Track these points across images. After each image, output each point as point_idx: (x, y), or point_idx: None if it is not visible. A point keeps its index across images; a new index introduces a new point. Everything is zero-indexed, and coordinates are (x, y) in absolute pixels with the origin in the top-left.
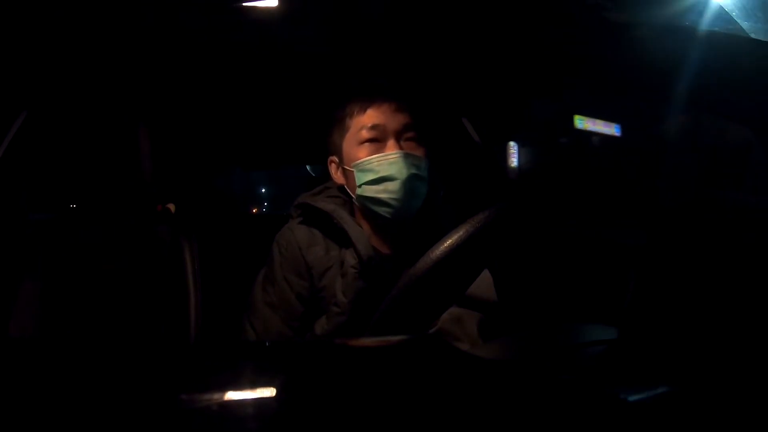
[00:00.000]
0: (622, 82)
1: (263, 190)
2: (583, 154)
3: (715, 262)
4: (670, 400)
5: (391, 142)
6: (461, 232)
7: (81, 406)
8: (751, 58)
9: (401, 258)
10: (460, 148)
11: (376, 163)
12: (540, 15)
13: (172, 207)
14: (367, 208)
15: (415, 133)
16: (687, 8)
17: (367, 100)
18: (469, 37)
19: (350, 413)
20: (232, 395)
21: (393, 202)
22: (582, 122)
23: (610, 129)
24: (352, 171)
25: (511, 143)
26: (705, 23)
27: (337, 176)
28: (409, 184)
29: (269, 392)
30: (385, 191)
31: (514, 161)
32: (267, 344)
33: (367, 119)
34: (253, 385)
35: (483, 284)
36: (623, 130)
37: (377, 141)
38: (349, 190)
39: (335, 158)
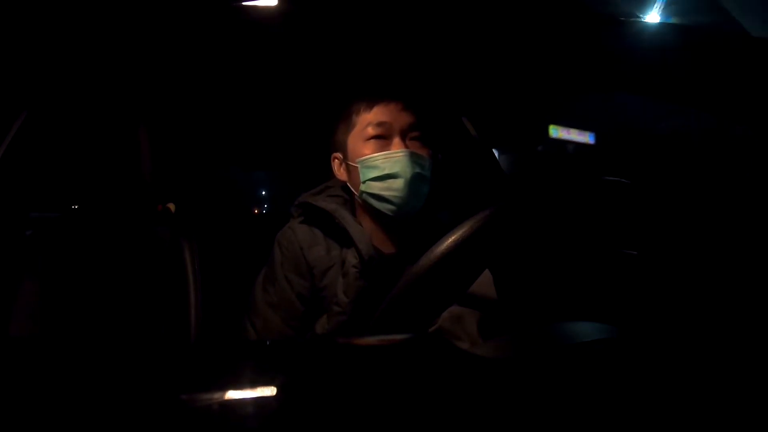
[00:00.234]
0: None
1: (263, 193)
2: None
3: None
4: (669, 398)
5: (396, 140)
6: (462, 231)
7: (81, 405)
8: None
9: (402, 257)
10: (460, 147)
11: (381, 160)
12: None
13: (172, 207)
14: (369, 205)
15: (419, 132)
16: None
17: (375, 97)
18: (470, 36)
19: (351, 412)
20: (232, 395)
21: (396, 200)
22: (556, 131)
23: (584, 137)
24: (357, 167)
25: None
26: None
27: (340, 173)
28: (413, 182)
29: (270, 391)
30: (389, 188)
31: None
32: (267, 343)
33: (373, 116)
34: (254, 385)
35: (483, 283)
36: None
37: (383, 138)
38: (351, 187)
39: (339, 155)
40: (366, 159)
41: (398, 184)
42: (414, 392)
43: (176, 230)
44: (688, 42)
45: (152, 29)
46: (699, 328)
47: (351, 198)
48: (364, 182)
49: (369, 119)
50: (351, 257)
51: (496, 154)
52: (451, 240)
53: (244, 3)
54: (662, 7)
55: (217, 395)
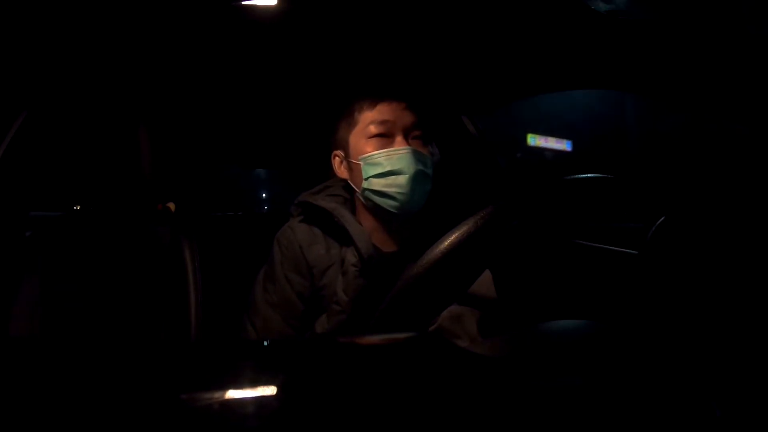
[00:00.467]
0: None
1: (264, 195)
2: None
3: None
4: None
5: (399, 138)
6: (463, 230)
7: (81, 405)
8: None
9: (402, 256)
10: (460, 146)
11: (384, 156)
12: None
13: (172, 206)
14: (371, 202)
15: (420, 131)
16: None
17: (378, 96)
18: (470, 36)
19: (351, 411)
20: (232, 394)
21: (399, 196)
22: (534, 140)
23: (562, 145)
24: (359, 164)
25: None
26: None
27: (341, 170)
28: (416, 179)
29: (270, 391)
30: (392, 185)
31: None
32: (267, 343)
33: (376, 114)
34: (254, 384)
35: (483, 282)
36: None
37: (385, 136)
38: (353, 184)
39: (340, 152)
40: (369, 156)
41: (401, 180)
42: (414, 391)
43: (176, 230)
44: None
45: (152, 29)
46: (698, 327)
47: (351, 197)
48: (366, 179)
49: (372, 117)
50: (350, 256)
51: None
52: (451, 239)
53: (243, 2)
54: None
55: (217, 395)
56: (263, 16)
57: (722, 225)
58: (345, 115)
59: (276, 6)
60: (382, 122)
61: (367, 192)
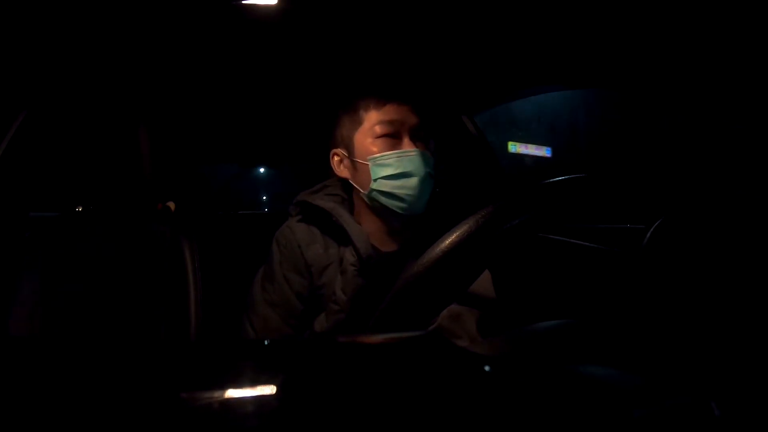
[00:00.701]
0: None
1: (264, 198)
2: None
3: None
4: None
5: (407, 140)
6: (463, 230)
7: (81, 405)
8: None
9: (401, 255)
10: (460, 146)
11: (395, 158)
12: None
13: (172, 205)
14: (377, 202)
15: (424, 132)
16: None
17: (386, 96)
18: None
19: (351, 411)
20: (232, 393)
21: (409, 198)
22: (515, 147)
23: (541, 151)
24: (366, 164)
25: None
26: None
27: (340, 170)
28: (424, 181)
29: (270, 390)
30: (402, 187)
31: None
32: (266, 342)
33: (384, 114)
34: (254, 383)
35: (482, 282)
36: None
37: (392, 137)
38: (355, 184)
39: (341, 151)
40: (378, 157)
41: (412, 182)
42: (414, 390)
43: (176, 229)
44: None
45: (152, 29)
46: (697, 327)
47: (349, 196)
48: (375, 180)
49: (379, 117)
50: (349, 255)
51: None
52: (451, 239)
53: (244, 2)
54: None
55: (217, 394)
56: (263, 16)
57: (721, 224)
58: (348, 113)
59: (276, 6)
60: (391, 122)
61: (374, 193)
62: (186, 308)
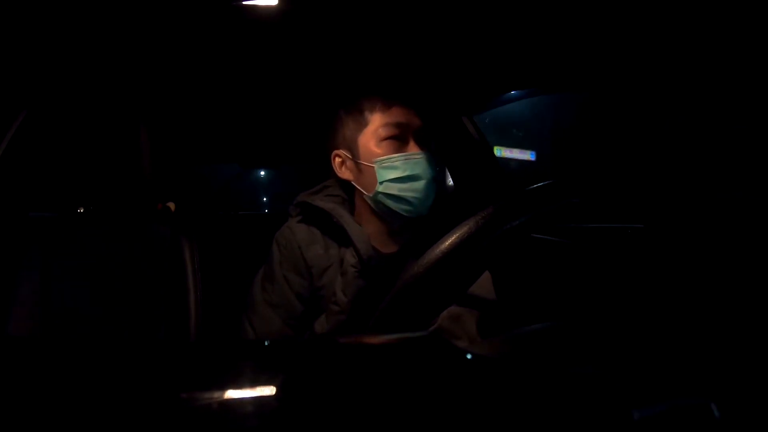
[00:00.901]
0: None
1: (264, 200)
2: None
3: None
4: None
5: (413, 143)
6: (463, 231)
7: (81, 405)
8: None
9: (401, 257)
10: (460, 147)
11: (402, 161)
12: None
13: (172, 205)
14: (382, 205)
15: (427, 135)
16: None
17: (392, 98)
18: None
19: (351, 411)
20: (232, 394)
21: (415, 201)
22: (500, 151)
23: (525, 155)
24: (371, 167)
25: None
26: None
27: (342, 171)
28: (430, 184)
29: (270, 390)
30: (410, 190)
31: (449, 180)
32: (266, 343)
33: (391, 117)
34: (254, 384)
35: (482, 283)
36: None
37: (398, 139)
38: (359, 186)
39: (343, 152)
40: (384, 159)
41: (419, 185)
42: (413, 390)
43: (176, 229)
44: None
45: (153, 29)
46: (697, 327)
47: (350, 197)
48: (381, 182)
49: (385, 119)
50: (349, 256)
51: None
52: (451, 240)
53: (244, 2)
54: None
55: (216, 394)
56: (263, 17)
57: (721, 224)
58: (352, 114)
59: (276, 6)
60: (397, 125)
61: (380, 196)
62: (186, 308)
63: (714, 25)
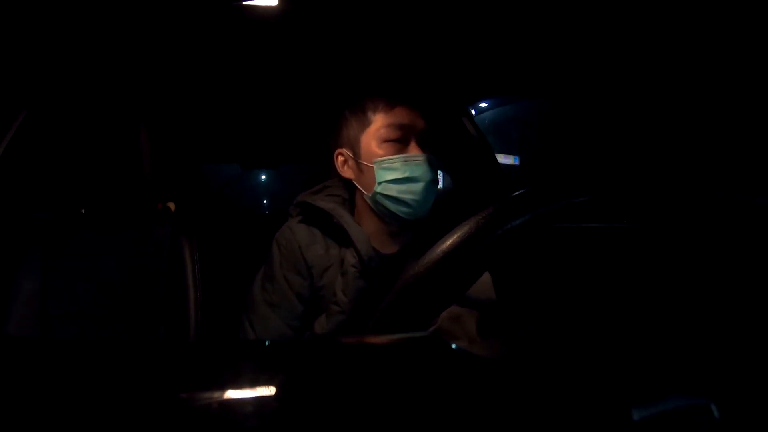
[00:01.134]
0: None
1: (265, 201)
2: None
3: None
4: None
5: (414, 144)
6: (463, 231)
7: (81, 405)
8: None
9: (401, 257)
10: (460, 148)
11: (401, 162)
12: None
13: (172, 206)
14: (381, 206)
15: (429, 138)
16: None
17: (396, 99)
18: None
19: (351, 411)
20: (232, 394)
21: (414, 203)
22: None
23: (510, 160)
24: (371, 167)
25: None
26: None
27: (345, 170)
28: (429, 187)
29: (270, 391)
30: (408, 191)
31: (439, 183)
32: (267, 343)
33: (394, 118)
34: (254, 384)
35: (482, 283)
36: None
37: (399, 141)
38: (359, 186)
39: (346, 151)
40: (384, 160)
41: (418, 187)
42: (413, 391)
43: (176, 229)
44: None
45: (153, 29)
46: (697, 328)
47: (350, 197)
48: (380, 183)
49: (388, 120)
50: (350, 257)
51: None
52: (451, 240)
53: (244, 3)
54: None
55: (216, 395)
56: (263, 17)
57: (721, 225)
58: (356, 113)
59: (276, 7)
60: (400, 126)
61: (379, 196)
62: (186, 308)
63: (714, 25)
